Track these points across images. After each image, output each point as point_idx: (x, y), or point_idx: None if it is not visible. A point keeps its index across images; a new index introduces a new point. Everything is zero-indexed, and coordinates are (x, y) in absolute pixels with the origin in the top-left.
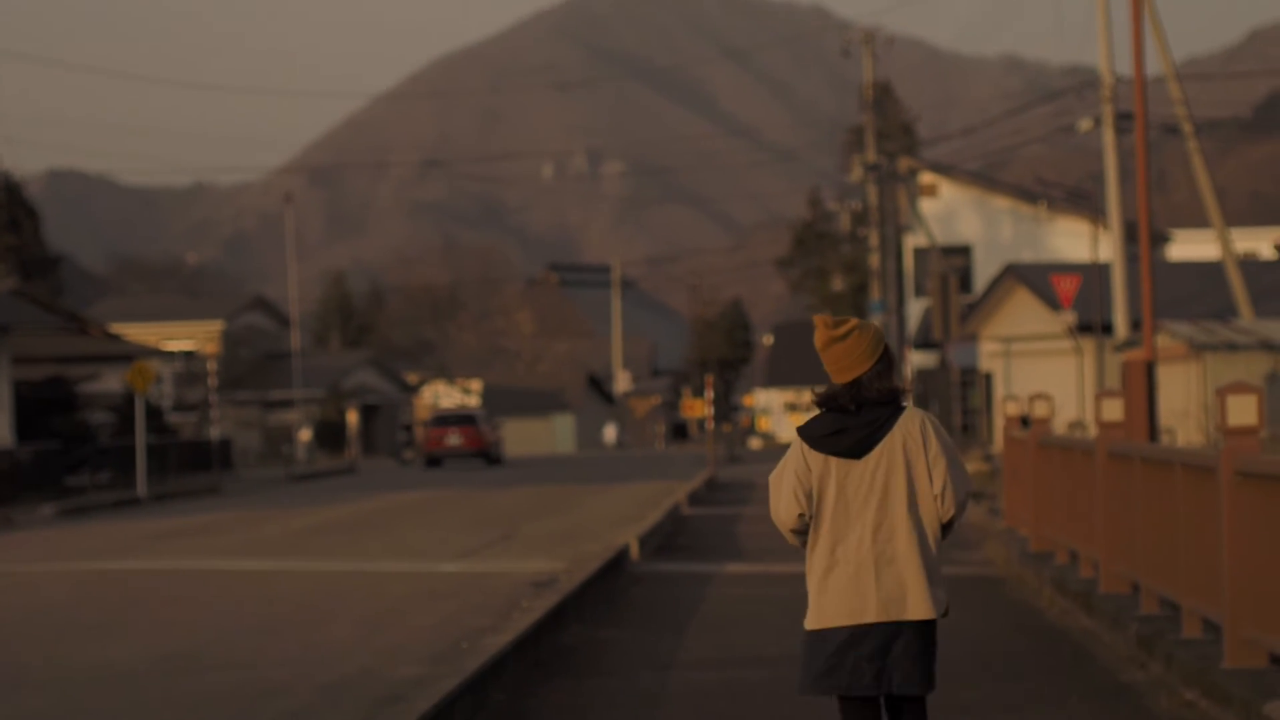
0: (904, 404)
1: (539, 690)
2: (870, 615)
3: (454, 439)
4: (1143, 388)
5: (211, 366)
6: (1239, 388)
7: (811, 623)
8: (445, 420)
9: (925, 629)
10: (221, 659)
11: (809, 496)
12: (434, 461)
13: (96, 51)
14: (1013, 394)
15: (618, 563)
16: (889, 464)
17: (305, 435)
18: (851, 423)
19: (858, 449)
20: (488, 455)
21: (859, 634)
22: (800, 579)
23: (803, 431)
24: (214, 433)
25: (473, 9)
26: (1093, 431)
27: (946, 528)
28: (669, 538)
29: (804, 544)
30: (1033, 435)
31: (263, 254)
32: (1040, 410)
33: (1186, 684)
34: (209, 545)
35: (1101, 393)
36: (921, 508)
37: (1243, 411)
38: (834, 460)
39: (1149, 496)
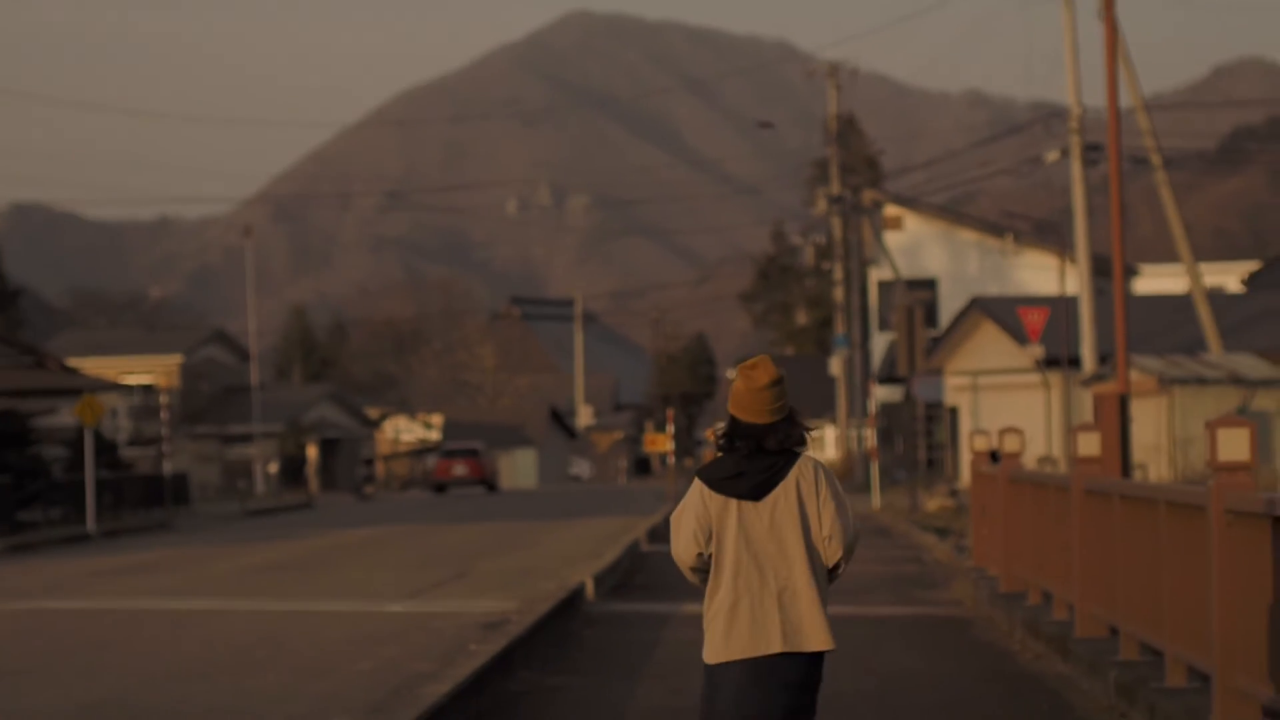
0: (798, 451)
1: None
2: (775, 646)
3: (460, 469)
4: (1115, 422)
5: (164, 400)
6: (1230, 421)
7: (716, 656)
8: (452, 454)
9: (821, 660)
10: (147, 707)
11: (708, 536)
12: (440, 488)
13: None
14: (980, 428)
15: (572, 603)
16: (785, 505)
17: (273, 468)
18: (750, 467)
19: (757, 491)
20: (488, 483)
21: (764, 665)
22: None
23: (702, 474)
24: (167, 467)
25: (436, 43)
26: (1063, 467)
27: (832, 571)
28: (627, 575)
29: (703, 581)
30: (1003, 471)
31: (227, 288)
32: (1010, 445)
33: None
34: (152, 584)
35: (1077, 427)
36: (815, 547)
37: (1234, 446)
38: (734, 501)
39: (1130, 536)
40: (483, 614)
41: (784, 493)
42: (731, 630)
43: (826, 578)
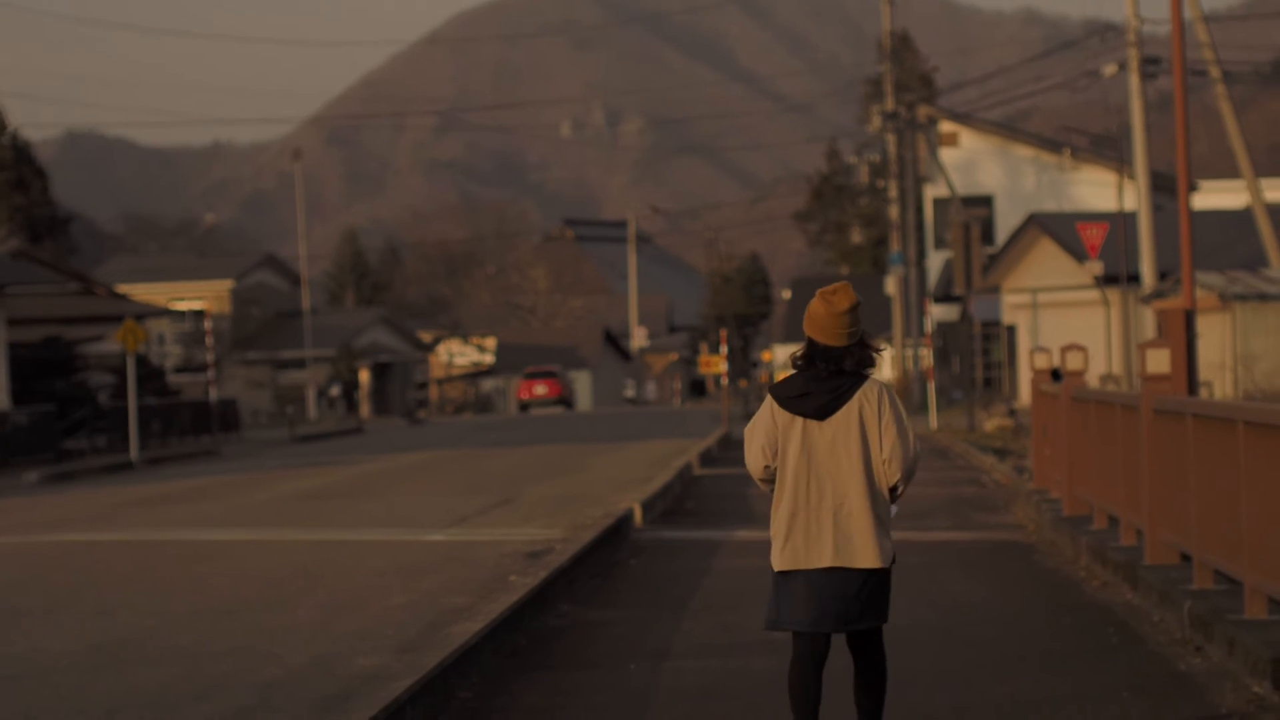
0: (867, 373)
1: (511, 687)
2: (826, 560)
3: (540, 389)
4: (1182, 339)
5: (209, 326)
6: None
7: (777, 565)
8: (534, 375)
9: (879, 574)
10: (163, 649)
11: (774, 450)
12: (524, 407)
13: (107, 5)
14: (1040, 346)
15: (619, 530)
16: (847, 427)
17: (335, 391)
18: (817, 387)
19: (821, 412)
20: (566, 402)
21: (818, 577)
22: None
23: (773, 390)
24: (213, 393)
25: None
26: (1125, 384)
27: (891, 492)
28: (677, 501)
29: (772, 491)
30: (1066, 389)
31: (281, 213)
32: (1074, 362)
33: (1254, 674)
34: (190, 513)
35: (1145, 343)
36: (875, 469)
37: None
38: (799, 419)
39: (1204, 458)
40: (526, 542)
41: (847, 414)
42: (788, 541)
43: (886, 499)
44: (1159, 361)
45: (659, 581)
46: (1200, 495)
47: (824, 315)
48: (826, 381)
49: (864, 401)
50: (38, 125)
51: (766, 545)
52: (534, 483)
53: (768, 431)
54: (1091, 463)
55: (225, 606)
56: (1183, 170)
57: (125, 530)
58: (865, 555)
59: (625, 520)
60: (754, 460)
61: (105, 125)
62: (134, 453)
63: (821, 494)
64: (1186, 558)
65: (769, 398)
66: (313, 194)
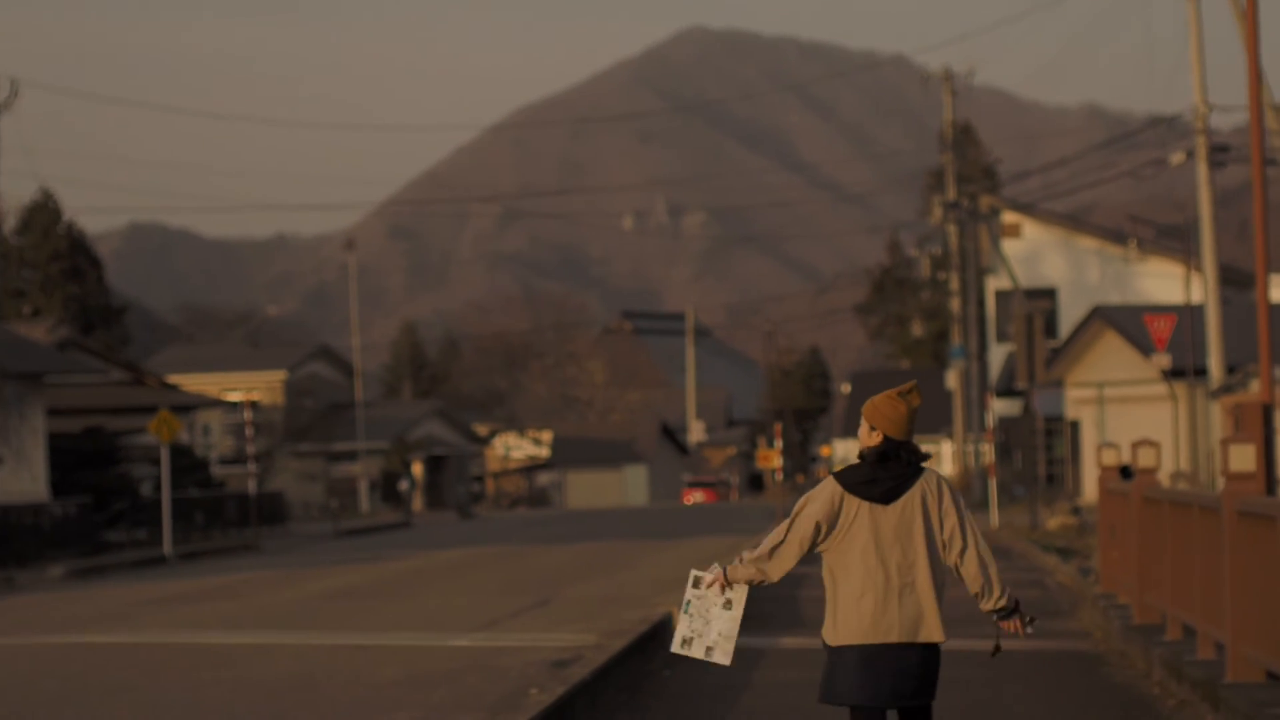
0: (922, 466)
1: None
2: (894, 636)
3: (698, 496)
4: (1260, 435)
5: (249, 416)
6: None
7: (839, 639)
8: (695, 484)
9: (935, 650)
10: None
11: (828, 528)
12: None
13: (170, 93)
14: (1108, 441)
15: (653, 636)
16: (911, 510)
17: (404, 486)
18: (882, 474)
19: (888, 496)
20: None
21: (878, 651)
22: None
23: (839, 477)
24: (252, 486)
25: (554, 60)
26: (1196, 483)
27: (989, 593)
28: None
29: (776, 555)
30: (1137, 488)
31: (343, 306)
32: (1146, 459)
33: None
34: (207, 613)
35: (1228, 438)
36: (937, 549)
37: None
38: (865, 504)
39: None
40: (556, 649)
41: (911, 498)
42: (854, 617)
43: (945, 578)
44: (1243, 459)
45: (692, 696)
46: None
47: (905, 412)
48: (890, 468)
49: (926, 486)
50: (100, 211)
51: (814, 655)
52: (575, 582)
53: (825, 509)
54: (1165, 568)
55: None
56: (1261, 254)
57: (135, 632)
58: (930, 630)
59: (663, 625)
60: (804, 526)
61: (169, 215)
62: (167, 547)
63: (888, 574)
64: (1274, 676)
65: (831, 480)
66: (375, 286)
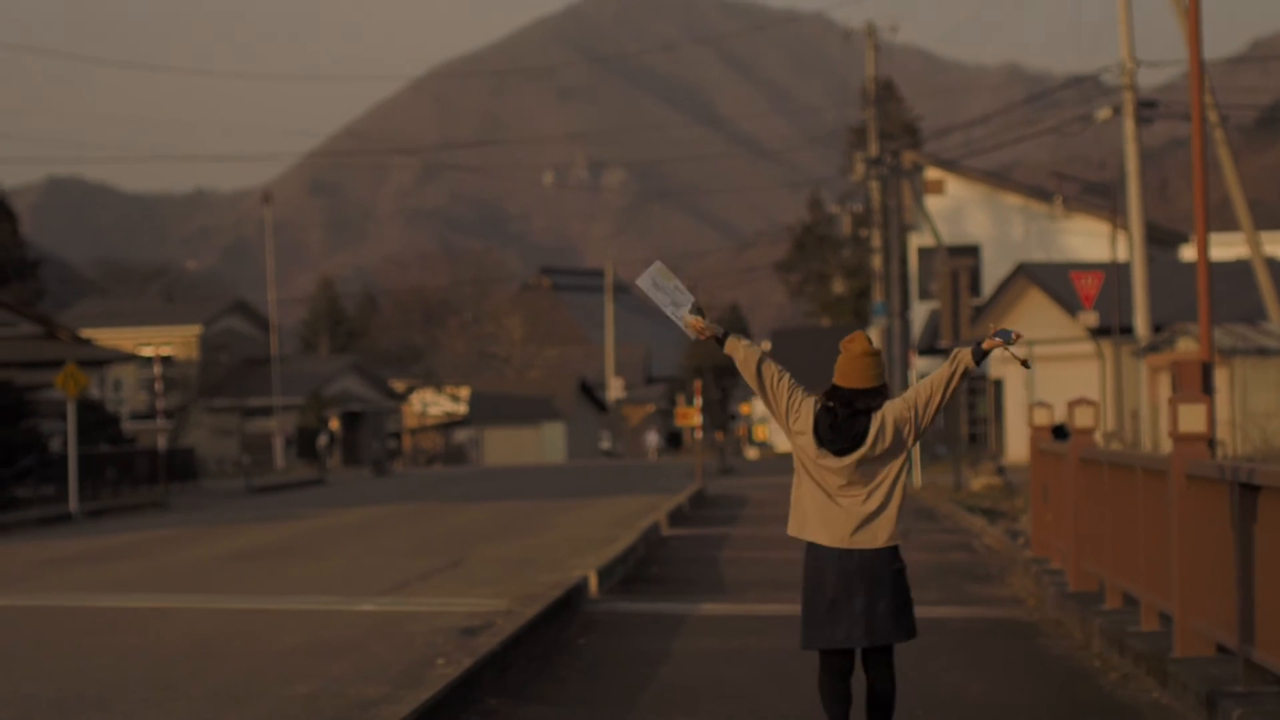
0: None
1: None
2: (846, 544)
3: None
4: (1201, 393)
5: (158, 371)
6: None
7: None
8: None
9: (901, 587)
10: None
11: (773, 382)
12: None
13: (97, 42)
14: (1041, 401)
15: (569, 602)
16: (868, 461)
17: (323, 441)
18: (840, 429)
19: (843, 451)
20: None
21: (844, 580)
22: (788, 621)
23: (819, 404)
24: (161, 441)
25: (472, 17)
26: (1127, 443)
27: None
28: (640, 565)
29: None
30: (1074, 449)
31: (262, 262)
32: (1084, 419)
33: None
34: (106, 574)
35: (1177, 396)
36: (899, 480)
37: None
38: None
39: (1251, 533)
40: (466, 614)
41: (869, 446)
42: (805, 526)
43: (902, 498)
44: (1193, 419)
45: (608, 668)
46: (1250, 578)
47: (843, 360)
48: (849, 423)
49: (880, 421)
50: (15, 163)
51: (736, 621)
52: (489, 542)
53: (790, 382)
54: (1104, 532)
55: (98, 693)
56: (1200, 212)
57: (28, 594)
58: (883, 538)
59: (578, 590)
60: (776, 370)
61: (86, 167)
62: (73, 504)
63: (842, 508)
64: (1225, 650)
65: (812, 398)
66: (295, 242)
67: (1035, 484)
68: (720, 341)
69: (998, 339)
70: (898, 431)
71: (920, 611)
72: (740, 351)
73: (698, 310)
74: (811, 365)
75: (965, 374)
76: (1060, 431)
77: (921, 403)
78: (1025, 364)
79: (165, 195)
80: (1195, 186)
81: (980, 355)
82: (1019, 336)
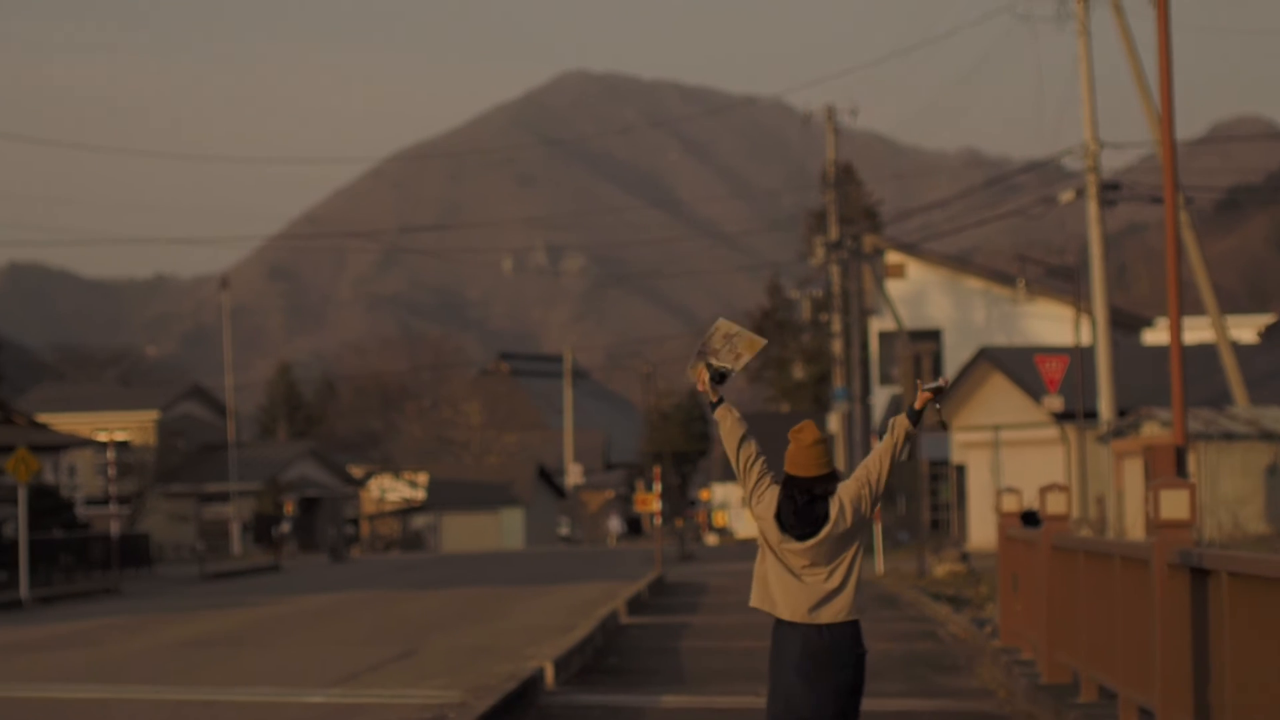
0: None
1: None
2: (807, 619)
3: None
4: (1173, 478)
5: (111, 457)
6: None
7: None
8: None
9: (860, 671)
10: None
11: (752, 458)
12: None
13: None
14: (1009, 487)
15: (523, 695)
16: (829, 543)
17: (285, 529)
18: (800, 515)
19: (805, 536)
20: None
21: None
22: (751, 715)
23: (784, 486)
24: (114, 527)
25: (432, 103)
26: (1095, 529)
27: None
28: (598, 655)
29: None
30: (1046, 535)
31: (221, 347)
32: (1056, 505)
33: None
34: (53, 663)
35: (1158, 482)
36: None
37: None
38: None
39: (1247, 630)
40: (417, 706)
41: (830, 528)
42: (767, 599)
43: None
44: (1176, 505)
45: None
46: (1236, 674)
47: (794, 450)
48: (808, 510)
49: (838, 505)
50: None
51: (698, 715)
52: (444, 631)
53: (761, 460)
54: (1079, 623)
55: None
56: (1173, 293)
57: None
58: (843, 614)
59: (534, 681)
60: (754, 451)
61: (46, 252)
62: (23, 590)
63: (803, 588)
64: None
65: (776, 486)
66: (254, 327)
67: (1004, 571)
68: (713, 406)
69: (926, 391)
70: (856, 510)
71: (887, 704)
72: (727, 422)
73: (722, 377)
74: (767, 453)
75: (908, 438)
76: (1030, 518)
77: (874, 477)
78: (944, 425)
79: (126, 281)
80: (1168, 267)
81: (915, 416)
82: (946, 382)
